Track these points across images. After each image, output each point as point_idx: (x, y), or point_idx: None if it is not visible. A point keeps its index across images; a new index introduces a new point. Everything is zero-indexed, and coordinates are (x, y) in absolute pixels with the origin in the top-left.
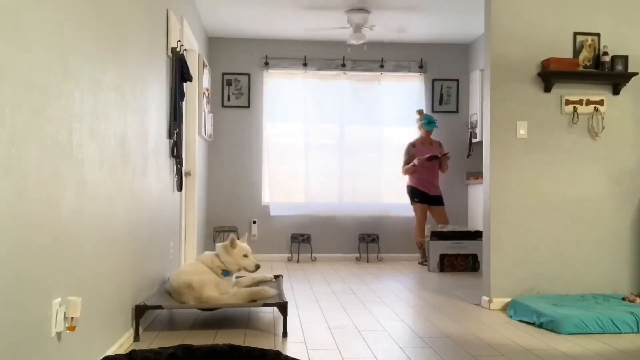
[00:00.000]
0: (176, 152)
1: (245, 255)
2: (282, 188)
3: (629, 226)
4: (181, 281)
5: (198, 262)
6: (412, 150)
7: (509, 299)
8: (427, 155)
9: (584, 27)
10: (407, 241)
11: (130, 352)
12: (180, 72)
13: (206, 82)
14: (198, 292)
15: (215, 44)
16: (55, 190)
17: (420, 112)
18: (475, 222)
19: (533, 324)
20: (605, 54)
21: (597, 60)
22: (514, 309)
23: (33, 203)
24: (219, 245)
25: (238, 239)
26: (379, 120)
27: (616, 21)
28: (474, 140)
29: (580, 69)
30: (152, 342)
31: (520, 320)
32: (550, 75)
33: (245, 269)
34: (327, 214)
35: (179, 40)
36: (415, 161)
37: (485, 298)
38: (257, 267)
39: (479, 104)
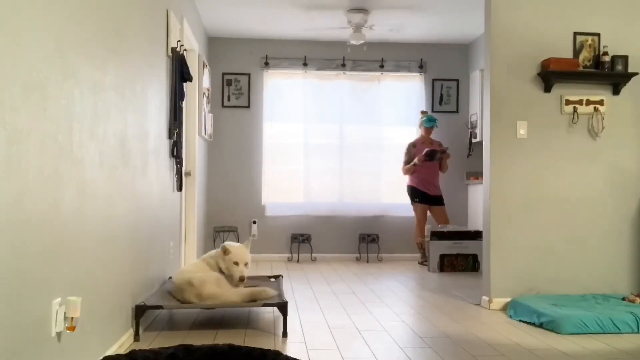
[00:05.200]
0: (176, 152)
1: (236, 263)
2: (282, 188)
3: (629, 226)
4: (182, 278)
5: (201, 261)
6: (412, 150)
7: (509, 299)
8: (425, 151)
9: (584, 27)
10: (407, 241)
11: (130, 352)
12: (180, 72)
13: (206, 82)
14: (198, 289)
15: (215, 44)
16: (55, 190)
17: (423, 112)
18: (475, 222)
19: (533, 324)
20: (605, 54)
21: (597, 60)
22: (514, 309)
23: (33, 203)
24: (225, 245)
25: (239, 243)
26: (379, 120)
27: (616, 21)
28: (474, 140)
29: (580, 69)
30: (152, 342)
31: (520, 320)
32: (550, 75)
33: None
34: (327, 214)
35: (179, 40)
36: (416, 160)
37: (485, 298)
38: (242, 279)
39: (479, 104)
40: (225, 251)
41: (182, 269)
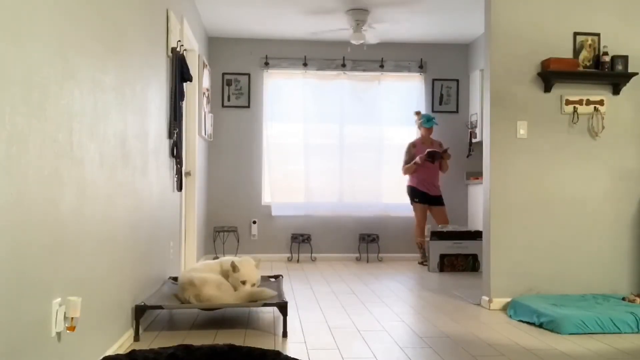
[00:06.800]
0: (176, 152)
1: (243, 282)
2: (282, 188)
3: (629, 226)
4: (185, 277)
5: (215, 263)
6: (412, 150)
7: (509, 299)
8: (427, 151)
9: (584, 27)
10: (407, 241)
11: (130, 352)
12: (180, 72)
13: (206, 82)
14: (198, 290)
15: (215, 44)
16: (55, 190)
17: (417, 113)
18: (475, 222)
19: (533, 324)
20: (605, 54)
21: (597, 60)
22: (514, 309)
23: (33, 203)
24: (234, 261)
25: (249, 259)
26: (379, 120)
27: (616, 21)
28: (474, 140)
29: (580, 69)
30: (152, 342)
31: (520, 320)
32: (550, 75)
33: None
34: (327, 214)
35: (179, 40)
36: (418, 159)
37: (485, 298)
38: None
39: (479, 104)
40: (234, 268)
41: (191, 267)
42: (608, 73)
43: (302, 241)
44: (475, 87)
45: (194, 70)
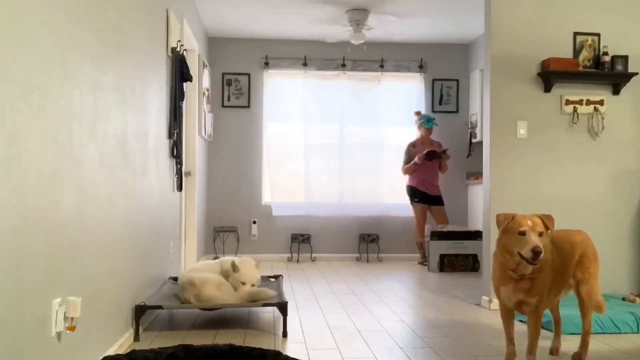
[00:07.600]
0: (176, 152)
1: (243, 283)
2: (282, 188)
3: (629, 226)
4: (185, 277)
5: (215, 263)
6: (412, 150)
7: None
8: (425, 151)
9: (584, 27)
10: (407, 241)
11: (130, 352)
12: (180, 72)
13: (206, 82)
14: (198, 290)
15: (215, 44)
16: (55, 190)
17: (418, 113)
18: (475, 222)
19: None
20: (605, 54)
21: (597, 60)
22: None
23: (33, 203)
24: (234, 261)
25: (250, 259)
26: (379, 120)
27: (616, 21)
28: (474, 140)
29: (580, 69)
30: (152, 342)
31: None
32: (550, 75)
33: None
34: (327, 214)
35: (179, 40)
36: (417, 159)
37: (485, 298)
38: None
39: (479, 104)
40: (234, 268)
41: (191, 268)
42: (608, 73)
43: (302, 241)
44: (475, 87)
45: (194, 70)
